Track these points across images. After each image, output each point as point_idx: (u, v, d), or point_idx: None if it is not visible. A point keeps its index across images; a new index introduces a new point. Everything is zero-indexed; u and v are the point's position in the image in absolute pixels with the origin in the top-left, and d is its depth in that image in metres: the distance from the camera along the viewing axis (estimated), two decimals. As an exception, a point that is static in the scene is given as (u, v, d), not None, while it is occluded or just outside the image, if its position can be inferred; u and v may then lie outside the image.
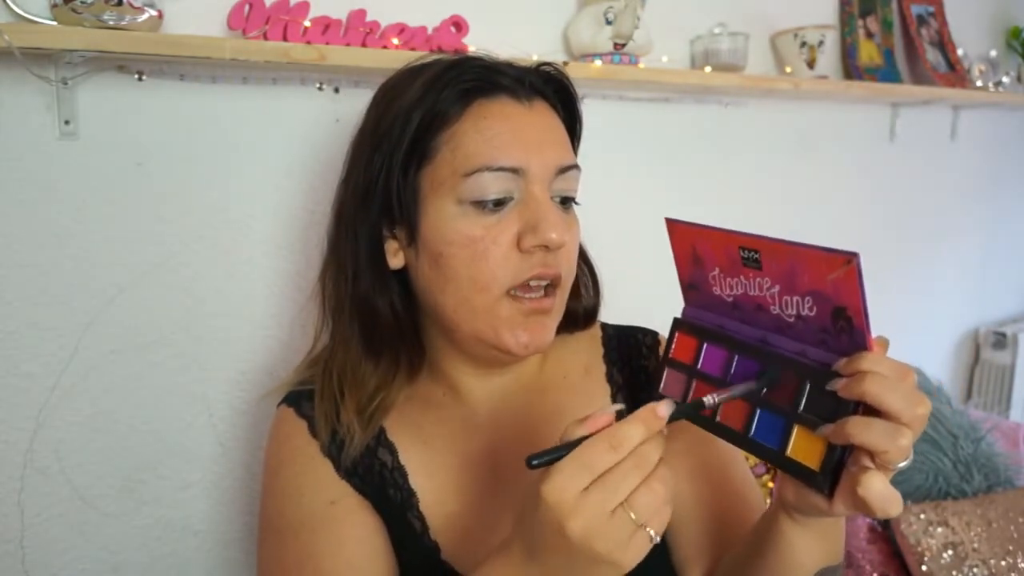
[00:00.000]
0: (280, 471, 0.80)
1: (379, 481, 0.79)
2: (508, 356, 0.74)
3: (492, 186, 0.70)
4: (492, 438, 0.81)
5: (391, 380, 0.79)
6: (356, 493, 0.78)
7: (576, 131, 0.82)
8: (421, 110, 0.72)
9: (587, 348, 0.87)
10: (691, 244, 0.65)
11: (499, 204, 0.71)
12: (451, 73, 0.73)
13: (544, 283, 0.73)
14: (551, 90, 0.78)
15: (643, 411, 0.54)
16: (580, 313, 0.85)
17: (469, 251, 0.71)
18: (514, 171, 0.71)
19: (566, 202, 0.76)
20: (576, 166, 0.76)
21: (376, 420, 0.79)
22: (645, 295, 1.18)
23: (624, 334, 0.88)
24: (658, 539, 0.54)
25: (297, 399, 0.82)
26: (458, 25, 1.18)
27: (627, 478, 0.52)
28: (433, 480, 0.79)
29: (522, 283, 0.72)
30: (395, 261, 0.77)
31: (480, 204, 0.71)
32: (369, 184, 0.75)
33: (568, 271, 0.76)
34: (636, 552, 0.53)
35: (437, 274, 0.73)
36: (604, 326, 0.90)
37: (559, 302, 0.76)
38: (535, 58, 1.20)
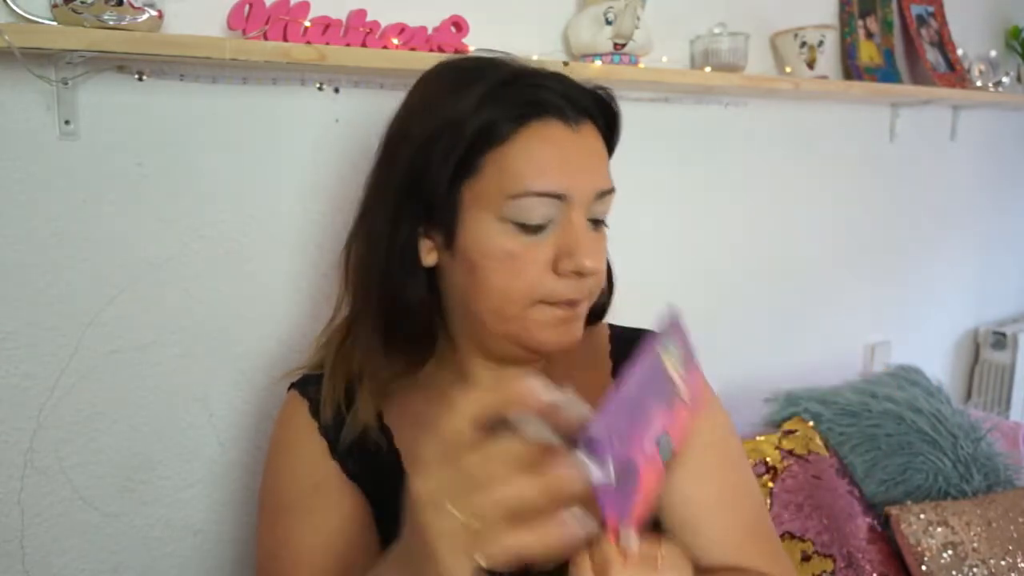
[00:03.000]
0: (278, 451, 0.83)
1: (373, 465, 0.80)
2: (537, 354, 0.78)
3: (536, 210, 0.72)
4: None
5: (401, 368, 0.80)
6: (345, 476, 0.80)
7: (613, 149, 0.82)
8: (475, 126, 0.72)
9: (594, 345, 0.88)
10: None
11: (540, 227, 0.73)
12: (506, 91, 0.73)
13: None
14: (598, 111, 0.78)
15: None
16: (591, 311, 0.86)
17: (507, 267, 0.73)
18: (558, 197, 0.72)
19: (598, 224, 0.77)
20: (613, 190, 0.78)
21: (376, 404, 0.81)
22: (643, 295, 1.18)
23: (632, 334, 0.90)
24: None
25: (305, 382, 0.85)
26: (458, 25, 1.18)
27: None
28: None
29: (553, 301, 0.74)
30: (428, 259, 0.78)
31: (522, 226, 0.72)
32: (411, 182, 0.75)
33: (597, 292, 0.79)
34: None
35: (471, 282, 0.75)
36: (611, 326, 0.91)
37: (586, 307, 0.79)
38: (535, 58, 1.21)
